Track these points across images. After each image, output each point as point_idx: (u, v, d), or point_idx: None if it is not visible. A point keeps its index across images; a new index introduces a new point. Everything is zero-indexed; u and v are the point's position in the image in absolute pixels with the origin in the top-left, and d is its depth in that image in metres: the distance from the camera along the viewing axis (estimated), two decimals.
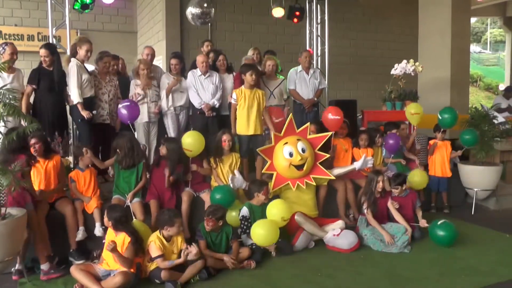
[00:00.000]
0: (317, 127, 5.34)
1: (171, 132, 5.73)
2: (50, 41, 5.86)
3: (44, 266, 3.84)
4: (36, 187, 4.12)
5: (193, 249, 3.72)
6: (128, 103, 4.87)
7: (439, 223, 4.59)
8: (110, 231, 3.78)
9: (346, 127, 5.52)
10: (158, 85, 5.71)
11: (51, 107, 4.99)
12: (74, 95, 4.91)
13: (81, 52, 5.05)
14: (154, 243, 3.74)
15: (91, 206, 4.25)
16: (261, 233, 4.15)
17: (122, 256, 3.55)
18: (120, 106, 4.87)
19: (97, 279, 3.59)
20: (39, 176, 4.18)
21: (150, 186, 4.58)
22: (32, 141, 4.14)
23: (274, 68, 5.99)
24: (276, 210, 4.35)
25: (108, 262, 3.66)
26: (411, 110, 5.89)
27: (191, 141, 4.67)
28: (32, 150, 4.14)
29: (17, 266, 3.86)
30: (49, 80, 4.97)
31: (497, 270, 3.97)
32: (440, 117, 5.84)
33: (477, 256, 4.31)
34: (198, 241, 4.05)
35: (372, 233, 4.60)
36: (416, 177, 5.50)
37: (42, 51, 4.99)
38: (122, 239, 3.64)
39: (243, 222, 4.41)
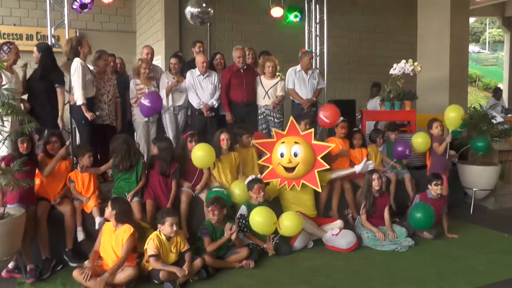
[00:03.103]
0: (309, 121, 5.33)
1: (169, 132, 5.73)
2: (49, 41, 5.84)
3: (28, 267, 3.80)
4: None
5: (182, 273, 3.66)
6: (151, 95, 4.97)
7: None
8: (109, 225, 3.73)
9: (346, 126, 5.49)
10: (157, 85, 5.71)
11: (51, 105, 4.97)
12: (79, 96, 4.86)
13: (85, 49, 5.01)
14: (153, 241, 3.73)
15: (89, 207, 4.24)
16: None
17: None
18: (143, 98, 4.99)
19: None
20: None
21: (146, 186, 4.56)
22: (53, 138, 4.22)
23: (272, 70, 5.99)
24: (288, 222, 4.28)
25: (108, 263, 3.64)
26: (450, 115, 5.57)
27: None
28: (49, 147, 4.20)
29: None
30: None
31: (495, 270, 3.97)
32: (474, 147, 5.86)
33: (476, 256, 4.31)
34: (203, 238, 4.06)
35: (374, 234, 4.61)
36: (420, 138, 5.49)
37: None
38: (123, 231, 3.63)
39: (241, 220, 4.41)
